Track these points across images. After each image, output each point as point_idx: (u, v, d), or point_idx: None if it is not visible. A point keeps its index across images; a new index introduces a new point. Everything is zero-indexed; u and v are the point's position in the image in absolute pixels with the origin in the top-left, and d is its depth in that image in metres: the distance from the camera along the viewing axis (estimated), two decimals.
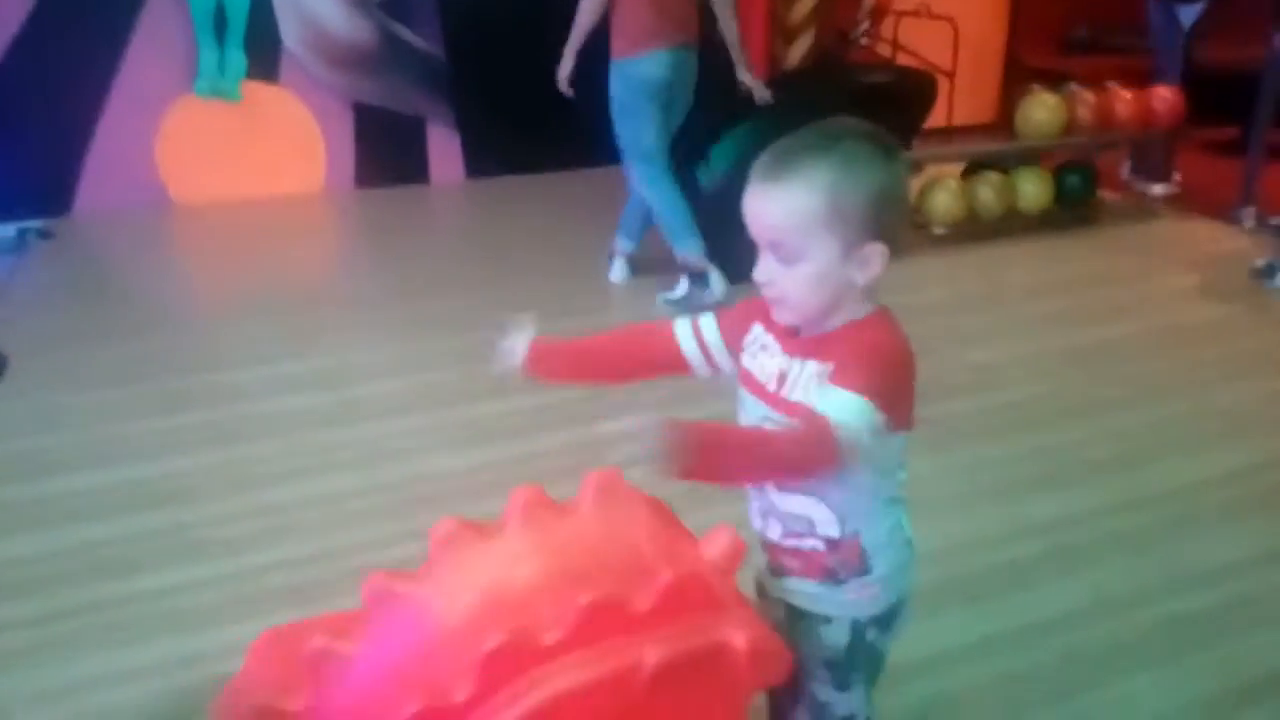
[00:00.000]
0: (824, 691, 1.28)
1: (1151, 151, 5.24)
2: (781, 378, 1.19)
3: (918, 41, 6.17)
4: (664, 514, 1.25)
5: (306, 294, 4.16)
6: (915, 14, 6.19)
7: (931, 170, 4.78)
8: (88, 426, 2.94)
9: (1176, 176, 5.28)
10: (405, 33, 5.36)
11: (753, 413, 1.22)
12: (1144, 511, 2.46)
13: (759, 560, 1.31)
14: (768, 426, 1.18)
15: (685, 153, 3.94)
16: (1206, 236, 4.71)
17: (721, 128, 4.06)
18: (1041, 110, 4.65)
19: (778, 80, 5.03)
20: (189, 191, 5.17)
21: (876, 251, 1.13)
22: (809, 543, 1.22)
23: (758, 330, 1.27)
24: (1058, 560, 2.27)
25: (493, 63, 5.45)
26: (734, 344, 1.29)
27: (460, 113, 5.56)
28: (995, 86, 6.81)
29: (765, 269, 1.17)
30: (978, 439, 2.79)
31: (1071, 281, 4.13)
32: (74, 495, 2.57)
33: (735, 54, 3.79)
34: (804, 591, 1.25)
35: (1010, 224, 4.62)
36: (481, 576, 1.13)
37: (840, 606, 1.25)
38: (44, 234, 4.62)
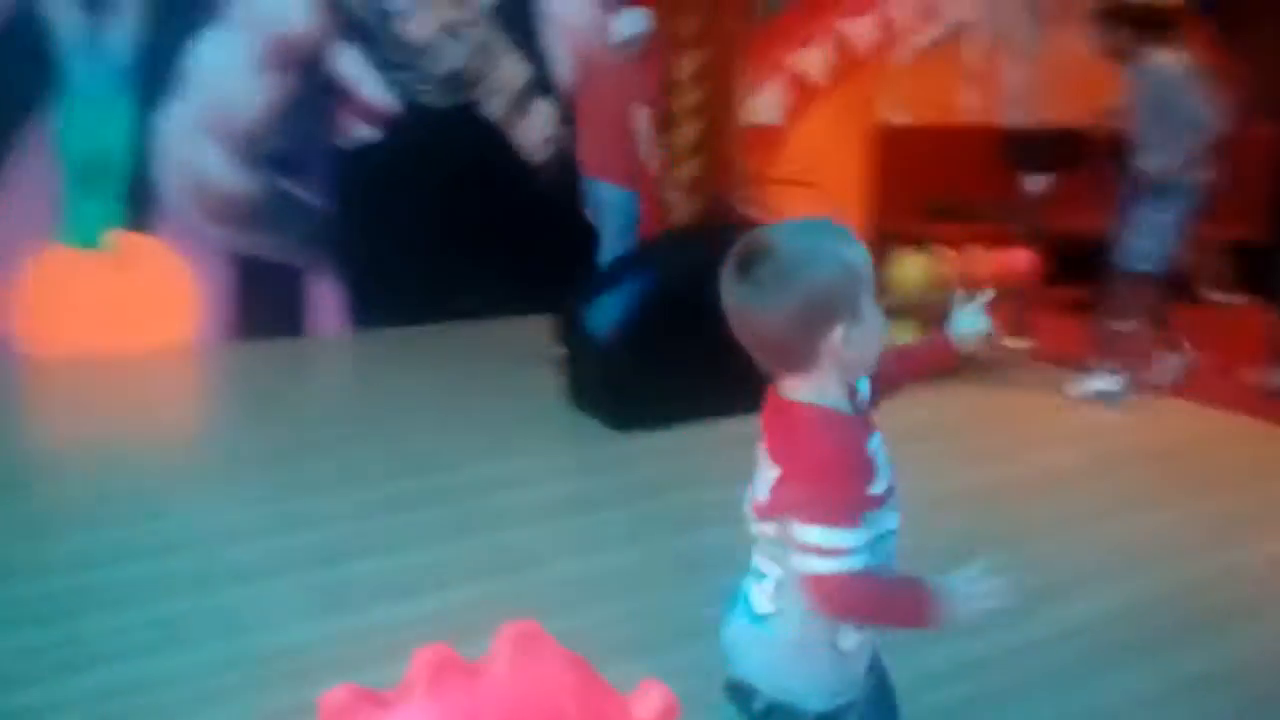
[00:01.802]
0: None
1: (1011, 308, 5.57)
2: None
3: (789, 206, 6.50)
4: (585, 671, 1.14)
5: (170, 452, 3.88)
6: (786, 181, 6.55)
7: None
8: None
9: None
10: (291, 186, 5.32)
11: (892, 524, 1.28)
12: (1033, 656, 2.44)
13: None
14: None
15: (577, 299, 3.97)
16: (1065, 385, 4.98)
17: (608, 278, 4.13)
18: (910, 269, 4.93)
19: (666, 237, 5.20)
20: (53, 345, 4.86)
21: None
22: None
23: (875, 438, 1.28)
24: (955, 713, 2.21)
25: (383, 213, 5.45)
26: None
27: (345, 264, 5.49)
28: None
29: None
30: None
31: (944, 427, 4.25)
32: None
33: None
34: None
35: None
36: None
37: None
38: None
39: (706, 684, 1.72)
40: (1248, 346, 4.98)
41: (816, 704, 1.27)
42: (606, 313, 3.94)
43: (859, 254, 1.21)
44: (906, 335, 4.83)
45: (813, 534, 1.17)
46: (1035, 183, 5.52)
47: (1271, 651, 2.53)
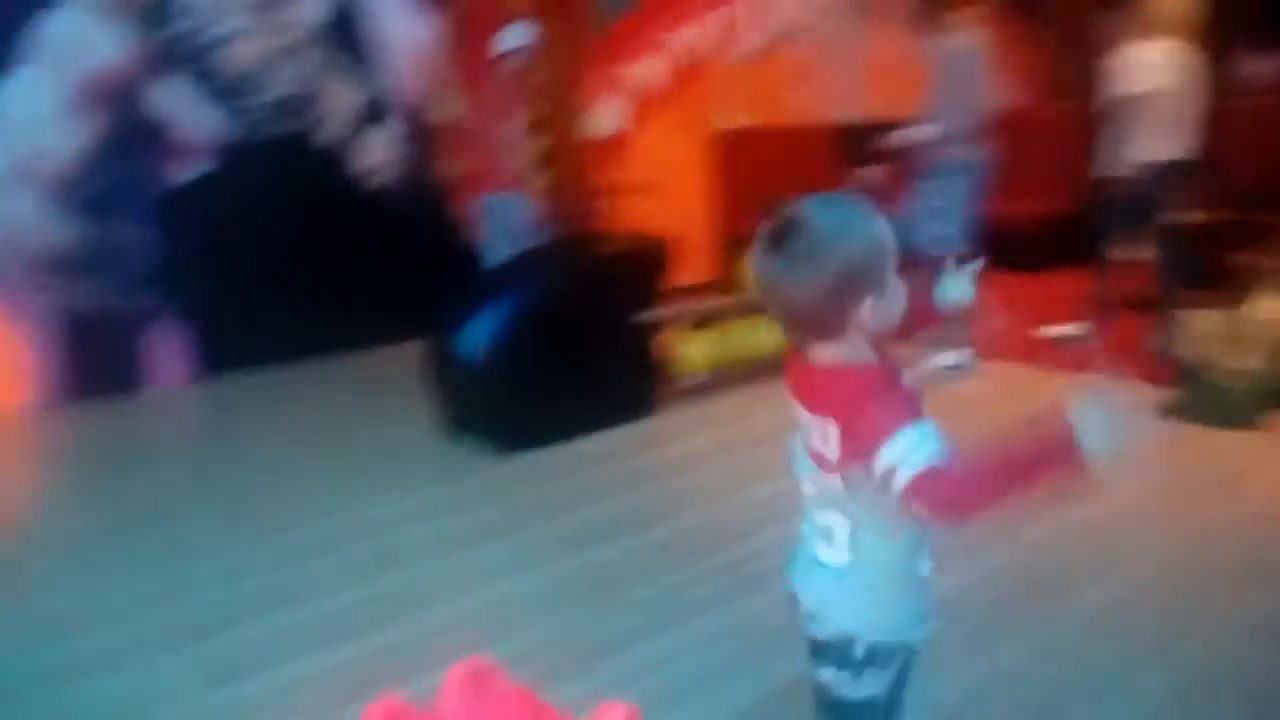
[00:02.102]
0: None
1: None
2: None
3: (640, 213, 6.59)
4: (537, 705, 1.14)
5: (21, 532, 3.59)
6: (631, 189, 6.63)
7: (673, 327, 5.01)
8: None
9: None
10: (115, 231, 5.01)
11: None
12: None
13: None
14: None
15: (445, 323, 3.91)
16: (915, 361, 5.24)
17: (474, 301, 4.08)
18: None
19: (524, 257, 5.17)
20: None
21: None
22: None
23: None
24: None
25: (223, 251, 5.20)
26: None
27: (187, 308, 5.21)
28: (711, 250, 7.37)
29: None
30: (748, 589, 2.70)
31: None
32: None
33: None
34: None
35: (753, 370, 4.88)
36: None
37: None
38: None
39: (642, 695, 1.74)
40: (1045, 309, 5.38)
41: (913, 633, 1.36)
42: (476, 334, 3.89)
43: (883, 229, 1.29)
44: (765, 333, 4.97)
45: (897, 443, 1.18)
46: (869, 174, 5.80)
47: (1107, 616, 2.59)
